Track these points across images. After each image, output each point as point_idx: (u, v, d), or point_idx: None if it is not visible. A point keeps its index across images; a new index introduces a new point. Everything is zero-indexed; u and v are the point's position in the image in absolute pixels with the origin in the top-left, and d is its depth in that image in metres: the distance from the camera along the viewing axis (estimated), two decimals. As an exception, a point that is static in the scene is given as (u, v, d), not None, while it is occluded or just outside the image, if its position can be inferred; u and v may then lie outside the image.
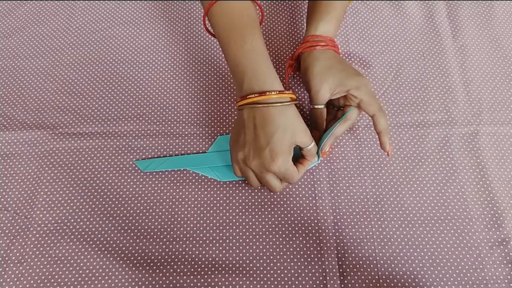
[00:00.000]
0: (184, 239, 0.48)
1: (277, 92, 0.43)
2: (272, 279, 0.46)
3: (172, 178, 0.52)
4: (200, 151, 0.53)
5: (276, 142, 0.42)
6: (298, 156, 0.47)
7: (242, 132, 0.44)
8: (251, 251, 0.47)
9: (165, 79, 0.59)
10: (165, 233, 0.48)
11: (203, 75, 0.59)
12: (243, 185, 0.51)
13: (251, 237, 0.48)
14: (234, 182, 0.51)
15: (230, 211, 0.50)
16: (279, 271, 0.46)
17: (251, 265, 0.47)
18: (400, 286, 0.45)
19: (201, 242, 0.48)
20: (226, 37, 0.46)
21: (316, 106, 0.49)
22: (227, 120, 0.55)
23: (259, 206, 0.50)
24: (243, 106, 0.44)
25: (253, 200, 0.50)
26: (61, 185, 0.51)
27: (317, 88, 0.48)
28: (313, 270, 0.46)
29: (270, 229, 0.49)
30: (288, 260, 0.47)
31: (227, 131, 0.55)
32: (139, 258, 0.47)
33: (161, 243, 0.48)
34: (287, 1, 0.65)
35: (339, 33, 0.62)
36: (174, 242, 0.48)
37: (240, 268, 0.46)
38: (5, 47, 0.62)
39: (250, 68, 0.44)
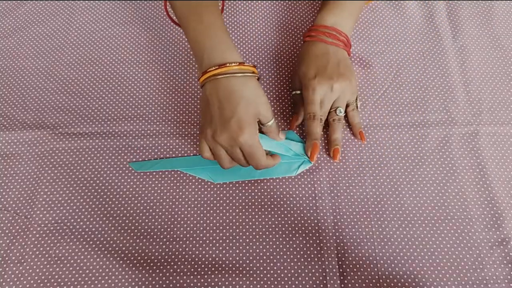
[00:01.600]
0: (184, 239, 0.48)
1: (238, 64, 0.43)
2: (272, 279, 0.46)
3: (172, 178, 0.52)
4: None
5: (241, 112, 0.42)
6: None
7: (207, 109, 0.44)
8: (251, 251, 0.47)
9: (164, 79, 0.59)
10: (165, 233, 0.48)
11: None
12: (243, 185, 0.51)
13: (251, 237, 0.48)
14: (234, 182, 0.51)
15: (230, 211, 0.50)
16: (279, 271, 0.46)
17: (251, 265, 0.47)
18: (400, 286, 0.45)
19: (201, 242, 0.48)
20: (185, 16, 0.47)
21: (292, 92, 0.54)
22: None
23: (259, 206, 0.50)
24: (205, 81, 0.44)
25: (253, 200, 0.50)
26: (61, 185, 0.51)
27: (292, 77, 0.52)
28: (313, 270, 0.46)
29: (270, 229, 0.49)
30: (288, 260, 0.47)
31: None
32: (139, 258, 0.47)
33: (161, 243, 0.48)
34: (287, 1, 0.65)
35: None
36: (174, 242, 0.48)
37: (240, 268, 0.46)
38: (5, 47, 0.62)
39: (209, 42, 0.45)
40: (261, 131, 0.47)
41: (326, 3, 0.54)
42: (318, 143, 0.50)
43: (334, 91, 0.50)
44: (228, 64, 0.43)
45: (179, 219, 0.49)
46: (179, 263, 0.47)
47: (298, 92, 0.53)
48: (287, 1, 0.65)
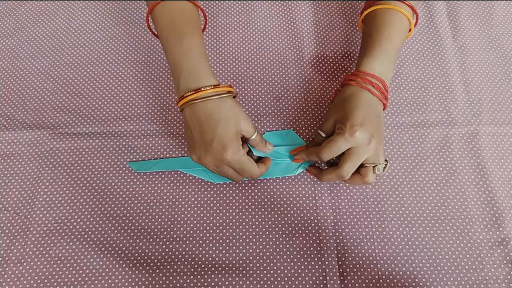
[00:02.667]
0: (184, 239, 0.48)
1: (212, 87, 0.44)
2: (272, 279, 0.46)
3: (172, 178, 0.52)
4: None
5: (222, 133, 0.43)
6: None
7: (190, 134, 0.45)
8: (251, 251, 0.47)
9: (164, 79, 0.59)
10: (165, 233, 0.48)
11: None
12: (243, 185, 0.51)
13: (251, 237, 0.48)
14: (234, 182, 0.51)
15: (230, 211, 0.50)
16: (279, 271, 0.46)
17: (251, 265, 0.47)
18: (400, 286, 0.45)
19: (201, 242, 0.48)
20: (166, 37, 0.47)
21: (319, 131, 0.49)
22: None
23: (259, 206, 0.50)
24: (183, 106, 0.45)
25: (253, 200, 0.50)
26: (61, 185, 0.51)
27: (326, 117, 0.48)
28: (313, 270, 0.46)
29: (270, 229, 0.49)
30: (288, 260, 0.47)
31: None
32: (139, 258, 0.47)
33: (161, 243, 0.48)
34: (287, 1, 0.65)
35: (339, 33, 0.62)
36: (174, 242, 0.48)
37: (240, 268, 0.46)
38: (5, 47, 0.62)
39: (186, 67, 0.45)
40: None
41: (371, 47, 0.48)
42: (311, 169, 0.50)
43: (370, 148, 0.43)
44: (203, 89, 0.44)
45: (179, 219, 0.49)
46: (179, 263, 0.47)
47: (324, 135, 0.48)
48: (287, 1, 0.65)
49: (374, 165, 0.45)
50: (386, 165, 0.46)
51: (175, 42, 0.46)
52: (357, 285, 0.45)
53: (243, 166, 0.45)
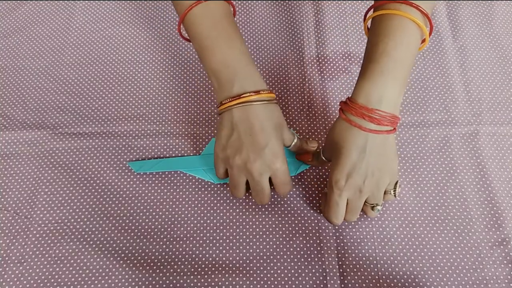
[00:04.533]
0: (184, 239, 0.48)
1: (268, 92, 0.44)
2: (272, 279, 0.46)
3: (172, 178, 0.52)
4: (200, 151, 0.53)
5: (275, 141, 0.43)
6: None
7: (234, 135, 0.43)
8: (251, 251, 0.47)
9: (164, 79, 0.59)
10: (165, 233, 0.48)
11: (202, 75, 0.59)
12: (243, 185, 0.51)
13: (251, 237, 0.48)
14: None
15: (230, 211, 0.50)
16: (279, 271, 0.46)
17: (251, 265, 0.47)
18: (400, 286, 0.45)
19: (201, 242, 0.48)
20: (213, 39, 0.44)
21: (322, 156, 0.47)
22: (227, 120, 0.55)
23: (259, 206, 0.50)
24: (234, 106, 0.43)
25: (253, 200, 0.50)
26: (61, 185, 0.51)
27: (323, 147, 0.47)
28: (313, 270, 0.46)
29: (270, 229, 0.49)
30: (288, 260, 0.47)
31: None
32: (139, 258, 0.47)
33: (161, 243, 0.48)
34: (287, 1, 0.65)
35: (339, 33, 0.62)
36: (174, 242, 0.48)
37: (240, 268, 0.46)
38: (5, 47, 0.62)
39: (243, 69, 0.44)
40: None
41: (365, 69, 0.41)
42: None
43: (364, 194, 0.42)
44: (261, 92, 0.43)
45: (179, 219, 0.49)
46: (179, 263, 0.47)
47: (325, 159, 0.47)
48: (287, 1, 0.65)
49: (372, 205, 0.45)
50: (395, 191, 0.44)
51: (227, 44, 0.44)
52: (357, 285, 0.45)
53: (286, 178, 0.44)
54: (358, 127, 0.40)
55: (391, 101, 0.40)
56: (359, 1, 0.65)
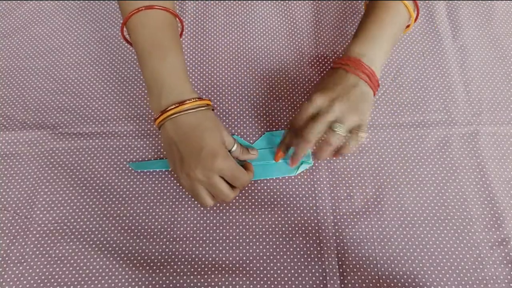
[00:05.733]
0: (184, 239, 0.48)
1: (196, 99, 0.44)
2: (272, 279, 0.46)
3: (172, 178, 0.52)
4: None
5: (210, 142, 0.43)
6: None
7: (173, 149, 0.44)
8: (251, 251, 0.47)
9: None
10: (165, 233, 0.48)
11: (202, 75, 0.59)
12: (243, 185, 0.51)
13: (251, 237, 0.48)
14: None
15: (230, 211, 0.50)
16: (279, 271, 0.46)
17: (251, 265, 0.47)
18: (400, 286, 0.45)
19: (201, 242, 0.48)
20: (147, 49, 0.45)
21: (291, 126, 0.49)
22: (226, 120, 0.55)
23: (259, 206, 0.50)
24: (164, 120, 0.43)
25: (253, 200, 0.50)
26: (61, 185, 0.51)
27: (314, 90, 0.48)
28: (313, 270, 0.46)
29: (270, 229, 0.49)
30: (288, 260, 0.47)
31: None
32: (139, 258, 0.47)
33: (161, 243, 0.48)
34: (287, 1, 0.65)
35: (339, 33, 0.62)
36: (174, 242, 0.48)
37: (240, 268, 0.46)
38: (5, 47, 0.62)
39: (169, 82, 0.44)
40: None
41: (356, 33, 0.50)
42: (282, 150, 0.49)
43: (334, 109, 0.44)
44: (187, 101, 0.43)
45: (179, 219, 0.49)
46: (179, 263, 0.47)
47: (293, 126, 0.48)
48: (287, 1, 0.65)
49: (334, 131, 0.44)
50: (357, 131, 0.46)
51: (158, 56, 0.45)
52: (357, 285, 0.45)
53: (235, 173, 0.43)
54: (344, 68, 0.47)
55: (372, 59, 0.47)
56: (359, 1, 0.65)
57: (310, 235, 0.48)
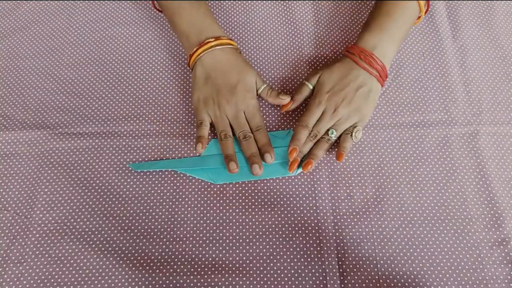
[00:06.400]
0: (184, 239, 0.48)
1: (228, 39, 0.52)
2: (272, 279, 0.46)
3: (172, 178, 0.52)
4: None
5: (246, 78, 0.51)
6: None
7: (208, 82, 0.49)
8: (251, 251, 0.47)
9: (164, 79, 0.59)
10: (165, 233, 0.48)
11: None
12: (243, 185, 0.51)
13: (251, 237, 0.48)
14: (234, 183, 0.51)
15: (230, 211, 0.50)
16: (279, 271, 0.46)
17: (251, 265, 0.47)
18: (400, 286, 0.45)
19: (201, 242, 0.48)
20: (179, 4, 0.53)
21: (306, 82, 0.53)
22: (227, 120, 0.55)
23: (259, 206, 0.50)
24: (203, 53, 0.50)
25: (253, 200, 0.50)
26: (61, 185, 0.51)
27: (315, 71, 0.53)
28: (313, 270, 0.46)
29: (270, 229, 0.49)
30: (288, 260, 0.47)
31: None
32: (139, 258, 0.47)
33: (161, 243, 0.48)
34: (287, 1, 0.65)
35: (339, 33, 0.62)
36: (174, 242, 0.48)
37: (240, 268, 0.46)
38: (5, 47, 0.62)
39: (207, 21, 0.52)
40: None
41: (368, 23, 0.52)
42: (299, 156, 0.49)
43: (337, 114, 0.49)
44: (223, 37, 0.51)
45: (179, 219, 0.49)
46: (179, 263, 0.47)
47: (310, 86, 0.53)
48: (287, 1, 0.65)
49: (332, 131, 0.50)
50: (352, 131, 0.50)
51: (192, 7, 0.53)
52: (357, 285, 0.45)
53: (256, 112, 0.50)
54: (355, 60, 0.50)
55: (384, 52, 0.50)
56: (359, 1, 0.65)
57: (310, 235, 0.48)
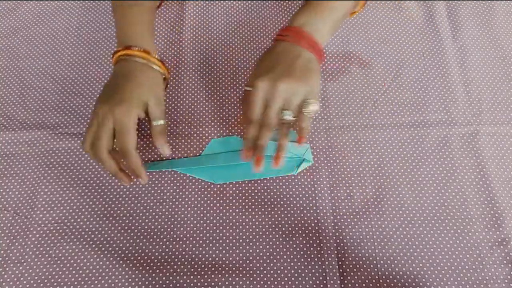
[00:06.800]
0: (184, 239, 0.48)
1: (159, 60, 0.50)
2: (272, 279, 0.46)
3: (172, 178, 0.52)
4: (200, 151, 0.53)
5: (127, 91, 0.46)
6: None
7: (112, 82, 0.48)
8: (251, 251, 0.47)
9: (165, 79, 0.59)
10: (165, 233, 0.48)
11: (202, 75, 0.59)
12: (243, 185, 0.51)
13: (251, 237, 0.48)
14: (234, 182, 0.51)
15: (230, 211, 0.50)
16: (279, 271, 0.46)
17: (251, 265, 0.47)
18: (400, 286, 0.45)
19: (201, 242, 0.48)
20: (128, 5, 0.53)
21: (245, 87, 0.47)
22: (227, 120, 0.55)
23: (259, 206, 0.50)
24: (122, 56, 0.49)
25: (253, 200, 0.50)
26: (61, 185, 0.51)
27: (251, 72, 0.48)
28: (313, 270, 0.46)
29: (270, 229, 0.49)
30: (288, 260, 0.47)
31: (227, 131, 0.55)
32: (139, 258, 0.47)
33: (161, 243, 0.48)
34: (287, 1, 0.65)
35: (339, 33, 0.62)
36: (174, 242, 0.48)
37: (240, 268, 0.46)
38: (5, 47, 0.62)
39: (133, 29, 0.52)
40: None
41: (305, 6, 0.49)
42: (260, 154, 0.44)
43: (280, 92, 0.43)
44: (151, 52, 0.49)
45: (179, 219, 0.49)
46: (179, 263, 0.47)
47: (249, 89, 0.46)
48: (287, 1, 0.65)
49: (284, 109, 0.44)
50: (307, 104, 0.44)
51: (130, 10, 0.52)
52: (357, 285, 0.45)
53: (125, 131, 0.44)
54: (282, 39, 0.47)
55: (314, 29, 0.47)
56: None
57: (310, 235, 0.48)
